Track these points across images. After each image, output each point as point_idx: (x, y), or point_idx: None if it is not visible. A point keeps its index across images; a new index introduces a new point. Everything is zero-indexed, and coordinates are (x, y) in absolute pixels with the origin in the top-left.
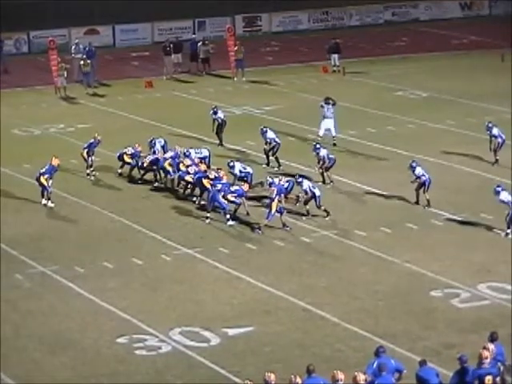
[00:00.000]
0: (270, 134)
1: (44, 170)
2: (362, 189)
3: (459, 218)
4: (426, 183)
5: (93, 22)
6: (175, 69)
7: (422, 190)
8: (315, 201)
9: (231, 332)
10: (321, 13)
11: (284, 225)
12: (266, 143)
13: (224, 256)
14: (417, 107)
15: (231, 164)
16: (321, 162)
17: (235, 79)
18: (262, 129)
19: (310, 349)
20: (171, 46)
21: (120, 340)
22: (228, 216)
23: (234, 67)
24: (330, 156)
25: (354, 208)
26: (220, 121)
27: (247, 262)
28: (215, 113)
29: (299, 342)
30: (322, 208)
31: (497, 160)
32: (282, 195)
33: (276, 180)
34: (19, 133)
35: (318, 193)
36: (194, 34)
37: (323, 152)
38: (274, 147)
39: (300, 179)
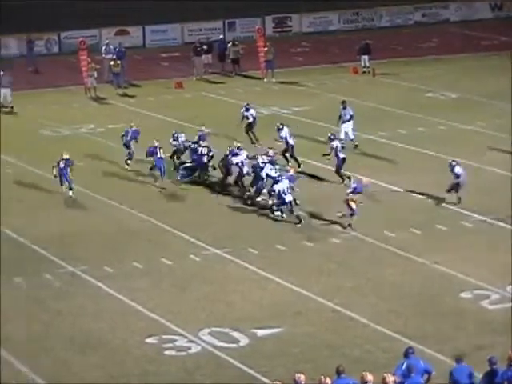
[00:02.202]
0: (284, 133)
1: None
2: (391, 190)
3: (489, 220)
4: (461, 184)
5: (123, 23)
6: (205, 69)
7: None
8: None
9: (260, 333)
10: (351, 14)
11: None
12: (278, 141)
13: (253, 257)
14: (447, 108)
15: (280, 127)
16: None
17: (265, 80)
18: (277, 126)
19: (339, 350)
20: (201, 46)
21: (149, 340)
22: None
23: (263, 68)
24: (340, 153)
25: (383, 209)
26: (251, 118)
27: (276, 263)
28: (247, 109)
29: (328, 342)
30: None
31: None
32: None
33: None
34: (49, 133)
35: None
36: (224, 34)
37: (335, 143)
38: (289, 147)
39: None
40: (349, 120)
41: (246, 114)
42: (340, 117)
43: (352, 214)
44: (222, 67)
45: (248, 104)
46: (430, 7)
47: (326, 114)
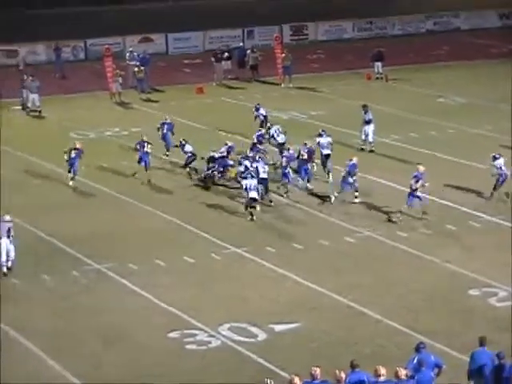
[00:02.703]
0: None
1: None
2: (403, 191)
3: (496, 220)
4: (501, 178)
5: (147, 31)
6: (225, 75)
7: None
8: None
9: (277, 328)
10: (365, 22)
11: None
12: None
13: (271, 255)
14: (457, 113)
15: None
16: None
17: (282, 85)
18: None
19: (353, 344)
20: (221, 53)
21: (171, 335)
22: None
23: (281, 74)
24: (324, 149)
25: (395, 210)
26: (262, 117)
27: (293, 261)
28: (257, 109)
29: (343, 337)
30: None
31: None
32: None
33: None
34: (75, 136)
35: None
36: (243, 42)
37: (319, 139)
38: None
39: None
40: (368, 123)
41: (256, 113)
42: (363, 120)
43: (421, 200)
44: (241, 73)
45: (258, 104)
46: (441, 16)
47: (341, 119)
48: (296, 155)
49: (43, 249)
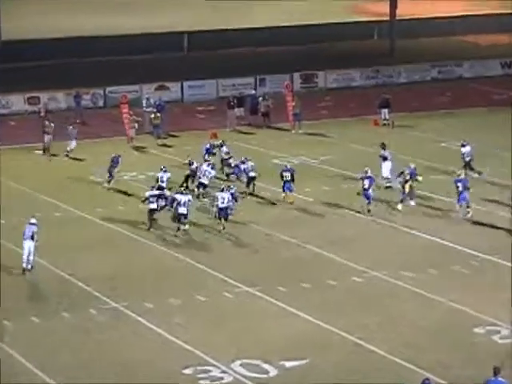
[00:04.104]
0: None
1: None
2: (409, 233)
3: (494, 259)
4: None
5: (163, 79)
6: (237, 122)
7: None
8: None
9: (288, 364)
10: (372, 71)
11: None
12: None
13: (281, 294)
14: (460, 158)
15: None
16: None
17: (293, 131)
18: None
19: (360, 380)
20: (234, 100)
21: (186, 371)
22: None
23: (291, 120)
24: (250, 172)
25: (402, 250)
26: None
27: (302, 300)
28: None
29: (350, 373)
30: None
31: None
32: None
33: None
34: (95, 179)
35: None
36: (255, 89)
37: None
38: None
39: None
40: (385, 159)
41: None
42: (381, 157)
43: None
44: (253, 120)
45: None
46: (446, 65)
47: (350, 163)
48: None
49: (62, 288)
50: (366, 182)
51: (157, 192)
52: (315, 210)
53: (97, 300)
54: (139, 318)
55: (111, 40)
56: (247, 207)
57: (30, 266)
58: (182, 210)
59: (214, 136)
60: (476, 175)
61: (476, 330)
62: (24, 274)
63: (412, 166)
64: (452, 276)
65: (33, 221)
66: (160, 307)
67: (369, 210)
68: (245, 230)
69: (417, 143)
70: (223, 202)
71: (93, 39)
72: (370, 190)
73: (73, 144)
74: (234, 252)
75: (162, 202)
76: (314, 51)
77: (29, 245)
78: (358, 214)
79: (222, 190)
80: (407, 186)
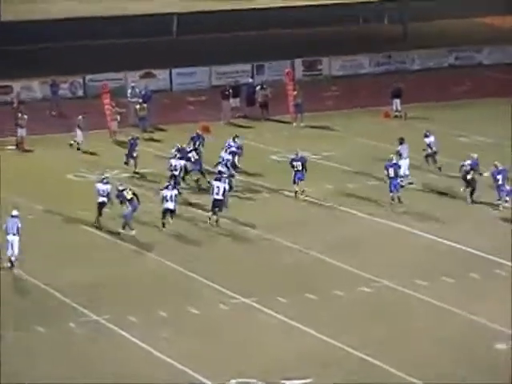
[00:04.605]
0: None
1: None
2: (423, 237)
3: None
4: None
5: (149, 65)
6: (233, 114)
7: None
8: None
9: None
10: (382, 56)
11: None
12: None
13: (282, 306)
14: (481, 154)
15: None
16: None
17: (294, 124)
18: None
19: None
20: (229, 90)
21: None
22: None
23: (292, 112)
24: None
25: (415, 257)
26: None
27: (305, 312)
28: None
29: None
30: None
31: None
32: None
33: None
34: (74, 178)
35: None
36: (252, 78)
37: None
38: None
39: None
40: (400, 156)
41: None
42: (398, 153)
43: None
44: (250, 111)
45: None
46: (464, 50)
47: (356, 160)
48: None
49: (38, 299)
50: (391, 171)
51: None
52: (318, 212)
53: (76, 312)
54: (123, 332)
55: (91, 22)
56: (244, 209)
57: (13, 259)
58: (169, 205)
59: (206, 130)
60: (436, 170)
61: (498, 345)
62: (12, 268)
63: (475, 156)
64: (471, 285)
65: (15, 213)
66: (147, 320)
67: (399, 199)
68: (241, 234)
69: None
70: (218, 193)
71: (70, 21)
72: (399, 180)
73: (80, 136)
74: (229, 259)
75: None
76: (317, 35)
77: (12, 239)
78: (364, 216)
79: (219, 180)
80: (469, 178)
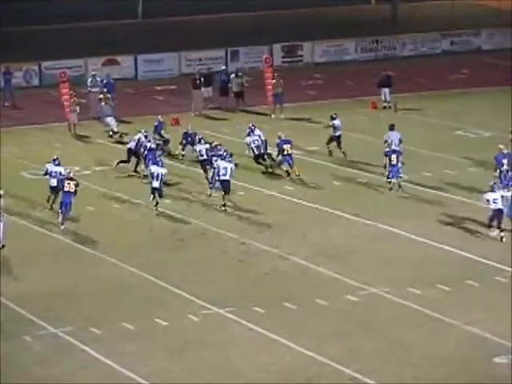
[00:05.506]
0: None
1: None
2: (416, 240)
3: None
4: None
5: (112, 52)
6: (205, 104)
7: None
8: None
9: None
10: (370, 41)
11: None
12: None
13: (259, 316)
14: (479, 148)
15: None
16: None
17: (273, 116)
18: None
19: None
20: (201, 78)
21: None
22: None
23: (271, 102)
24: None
25: (407, 263)
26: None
27: (286, 324)
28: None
29: None
30: None
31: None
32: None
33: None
34: (29, 176)
35: None
36: (227, 65)
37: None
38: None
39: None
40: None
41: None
42: (385, 141)
43: None
44: (224, 102)
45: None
46: (460, 34)
47: (342, 155)
48: None
49: None
50: (394, 157)
51: None
52: (300, 214)
53: (32, 325)
54: (84, 347)
55: (48, 4)
56: (217, 211)
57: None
58: (156, 183)
59: (176, 122)
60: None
61: (497, 359)
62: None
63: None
64: (469, 294)
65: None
66: (110, 333)
67: (400, 186)
68: (214, 238)
69: (425, 130)
70: (225, 174)
71: (24, 2)
72: (400, 164)
73: (112, 122)
74: (200, 266)
75: None
76: (298, 17)
77: None
78: (351, 217)
79: (223, 158)
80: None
